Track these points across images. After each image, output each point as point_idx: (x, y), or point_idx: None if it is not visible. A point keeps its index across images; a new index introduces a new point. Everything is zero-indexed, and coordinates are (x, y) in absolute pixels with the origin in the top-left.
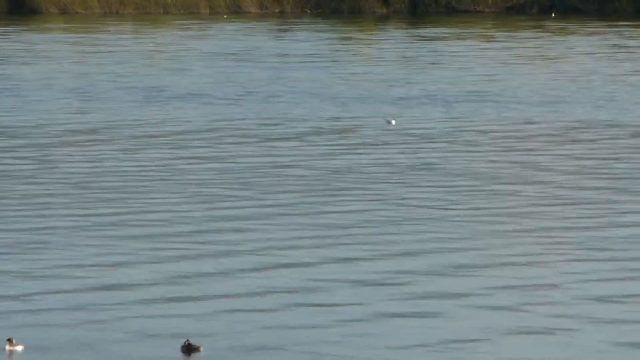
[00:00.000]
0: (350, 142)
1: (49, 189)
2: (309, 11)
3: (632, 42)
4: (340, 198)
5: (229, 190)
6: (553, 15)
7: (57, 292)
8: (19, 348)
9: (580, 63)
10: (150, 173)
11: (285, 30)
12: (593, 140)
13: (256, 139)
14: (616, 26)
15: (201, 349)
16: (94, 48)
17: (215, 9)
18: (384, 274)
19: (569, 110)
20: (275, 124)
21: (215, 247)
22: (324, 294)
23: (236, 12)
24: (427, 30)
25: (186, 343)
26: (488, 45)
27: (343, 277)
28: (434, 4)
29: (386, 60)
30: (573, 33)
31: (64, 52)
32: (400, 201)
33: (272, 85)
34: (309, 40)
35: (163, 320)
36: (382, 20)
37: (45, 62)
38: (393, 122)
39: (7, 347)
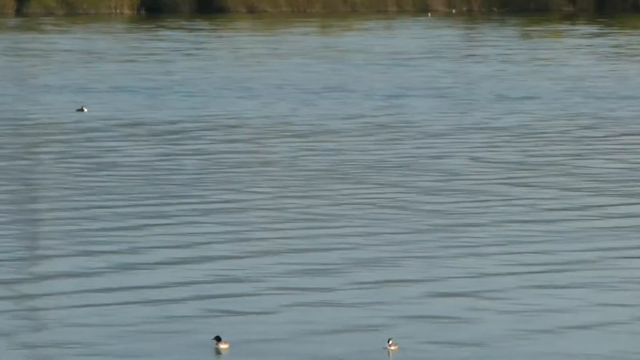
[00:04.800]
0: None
1: None
2: (496, 9)
3: None
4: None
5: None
6: None
7: None
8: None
9: None
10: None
11: (470, 29)
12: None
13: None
14: None
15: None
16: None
17: (402, 8)
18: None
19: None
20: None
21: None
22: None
23: (424, 10)
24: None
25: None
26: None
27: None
28: (620, 2)
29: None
30: None
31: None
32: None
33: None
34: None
35: None
36: (568, 18)
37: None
38: None
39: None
